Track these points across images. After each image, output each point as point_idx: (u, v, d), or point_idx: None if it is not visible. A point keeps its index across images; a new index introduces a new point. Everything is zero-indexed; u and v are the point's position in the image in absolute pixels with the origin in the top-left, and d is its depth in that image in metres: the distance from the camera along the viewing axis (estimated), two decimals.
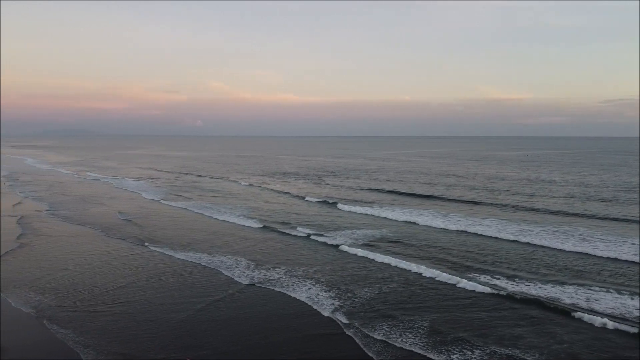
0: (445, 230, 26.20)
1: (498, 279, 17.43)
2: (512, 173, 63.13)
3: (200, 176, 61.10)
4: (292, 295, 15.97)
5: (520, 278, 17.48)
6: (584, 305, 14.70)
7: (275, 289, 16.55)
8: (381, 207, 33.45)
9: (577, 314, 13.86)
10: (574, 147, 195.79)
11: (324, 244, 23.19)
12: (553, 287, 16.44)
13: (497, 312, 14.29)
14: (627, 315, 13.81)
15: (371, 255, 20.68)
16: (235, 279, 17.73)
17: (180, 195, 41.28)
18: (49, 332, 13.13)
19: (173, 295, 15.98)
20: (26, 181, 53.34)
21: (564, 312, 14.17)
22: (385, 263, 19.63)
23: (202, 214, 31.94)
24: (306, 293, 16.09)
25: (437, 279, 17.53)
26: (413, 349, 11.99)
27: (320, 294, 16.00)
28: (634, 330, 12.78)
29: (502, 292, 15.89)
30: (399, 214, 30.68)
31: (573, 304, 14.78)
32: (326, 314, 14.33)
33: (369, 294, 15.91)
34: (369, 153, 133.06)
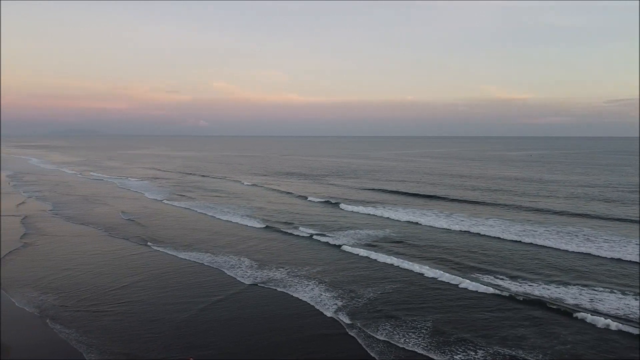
0: (448, 231, 26.15)
1: (501, 279, 17.38)
2: (515, 173, 62.96)
3: (203, 176, 61.19)
4: (295, 295, 15.97)
5: (524, 278, 17.43)
6: (587, 306, 14.64)
7: (278, 289, 16.55)
8: (384, 207, 33.42)
9: (581, 315, 13.80)
10: (578, 147, 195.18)
11: (327, 244, 23.19)
12: (556, 287, 16.38)
13: (500, 313, 14.26)
14: (630, 316, 13.75)
15: (374, 255, 20.66)
16: (238, 278, 17.74)
17: (183, 195, 41.35)
18: (52, 331, 13.16)
19: (176, 295, 16.00)
20: (30, 181, 53.53)
21: (568, 312, 14.12)
22: (387, 263, 19.60)
23: (205, 213, 31.98)
24: (309, 293, 16.09)
25: (440, 279, 17.50)
26: (416, 350, 11.96)
27: (323, 294, 16.00)
28: (637, 331, 12.72)
29: (505, 293, 15.85)
30: (401, 214, 30.63)
31: (576, 305, 14.72)
32: (329, 314, 14.32)
33: (371, 294, 15.89)
34: (371, 153, 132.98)
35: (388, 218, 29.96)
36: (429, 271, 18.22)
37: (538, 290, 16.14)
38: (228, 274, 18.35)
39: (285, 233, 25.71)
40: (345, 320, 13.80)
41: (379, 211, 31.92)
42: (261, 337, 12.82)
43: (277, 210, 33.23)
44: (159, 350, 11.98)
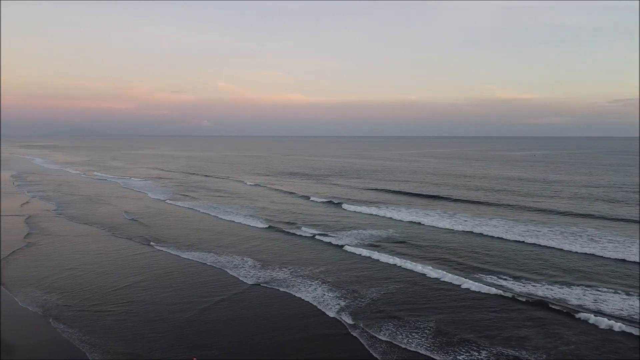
0: (451, 231, 26.10)
1: (504, 279, 17.34)
2: (519, 173, 62.81)
3: (206, 176, 61.27)
4: (298, 295, 15.97)
5: (527, 279, 17.38)
6: (591, 306, 14.59)
7: (281, 289, 16.55)
8: (387, 208, 33.38)
9: (584, 316, 13.75)
10: (579, 147, 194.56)
11: (330, 244, 23.18)
12: (560, 288, 16.33)
13: (503, 313, 14.21)
14: (634, 317, 13.68)
15: (376, 255, 20.64)
16: (241, 278, 17.76)
17: (187, 195, 41.42)
18: (55, 331, 13.20)
19: (179, 295, 16.02)
20: (34, 181, 53.72)
21: (571, 313, 14.06)
22: (390, 263, 19.58)
23: (208, 213, 32.02)
24: (311, 293, 16.08)
25: (442, 279, 17.47)
26: (419, 350, 11.94)
27: (326, 294, 15.99)
28: None
29: (508, 293, 15.80)
30: (404, 214, 30.59)
31: (580, 306, 14.67)
32: (331, 314, 14.31)
33: (374, 295, 15.88)
34: (374, 153, 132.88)
35: (391, 218, 29.93)
36: (431, 271, 18.19)
37: (541, 290, 16.09)
38: (231, 273, 18.37)
39: (288, 233, 25.72)
40: (348, 320, 13.79)
41: (382, 211, 31.88)
42: (264, 337, 12.82)
43: (280, 210, 33.25)
44: (162, 350, 11.99)
